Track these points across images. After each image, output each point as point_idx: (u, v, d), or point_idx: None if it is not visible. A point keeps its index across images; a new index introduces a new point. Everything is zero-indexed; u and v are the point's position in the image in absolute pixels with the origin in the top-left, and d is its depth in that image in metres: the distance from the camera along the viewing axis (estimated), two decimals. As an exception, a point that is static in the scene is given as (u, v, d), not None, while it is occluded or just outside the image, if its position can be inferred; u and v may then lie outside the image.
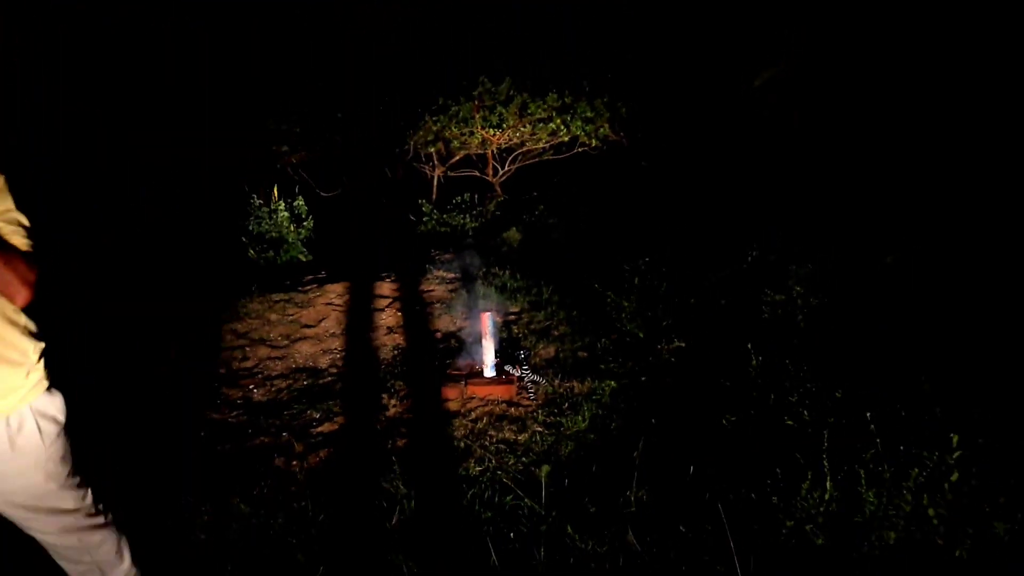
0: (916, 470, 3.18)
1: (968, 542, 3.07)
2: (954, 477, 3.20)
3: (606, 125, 12.60)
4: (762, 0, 10.69)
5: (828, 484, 3.32)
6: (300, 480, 4.29)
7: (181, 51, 13.10)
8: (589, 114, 12.30)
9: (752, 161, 11.22)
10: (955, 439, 3.23)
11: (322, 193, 13.35)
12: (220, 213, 11.34)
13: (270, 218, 10.87)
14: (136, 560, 2.83)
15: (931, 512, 3.12)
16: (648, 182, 13.26)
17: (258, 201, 11.21)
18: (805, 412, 4.02)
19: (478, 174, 13.67)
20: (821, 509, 3.30)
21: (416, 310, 7.10)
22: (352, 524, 3.78)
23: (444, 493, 3.92)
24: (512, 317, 6.89)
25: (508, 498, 3.84)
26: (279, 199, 11.23)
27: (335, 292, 7.62)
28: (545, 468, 3.97)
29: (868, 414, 3.57)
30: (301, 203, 11.34)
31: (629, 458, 4.03)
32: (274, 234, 10.69)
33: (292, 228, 10.75)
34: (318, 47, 13.26)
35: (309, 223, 11.05)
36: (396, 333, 6.63)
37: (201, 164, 13.19)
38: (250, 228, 10.77)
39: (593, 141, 12.73)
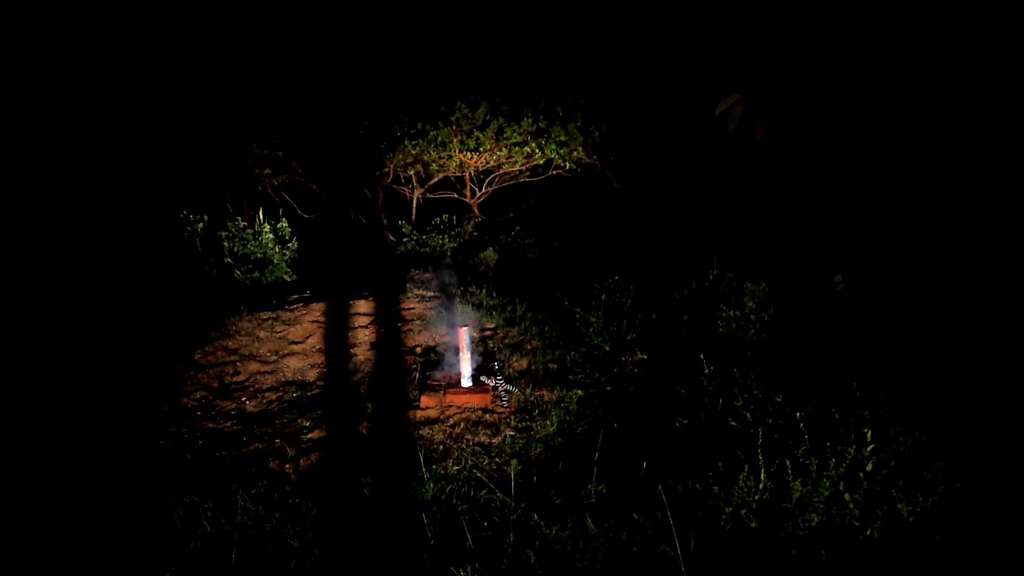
0: (833, 461, 3.66)
1: (878, 523, 3.56)
2: (869, 467, 3.69)
3: (579, 149, 13.11)
4: (727, 35, 11.28)
5: (762, 475, 3.80)
6: (293, 480, 4.73)
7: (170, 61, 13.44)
8: (563, 138, 12.80)
9: (716, 184, 11.81)
10: (869, 434, 3.72)
11: (303, 215, 13.80)
12: (205, 233, 11.69)
13: (255, 239, 11.26)
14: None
15: (847, 497, 3.61)
16: (620, 203, 13.83)
17: (242, 223, 11.60)
18: (748, 415, 4.50)
19: (456, 196, 14.17)
20: (756, 497, 3.77)
21: (397, 326, 7.54)
22: (341, 516, 4.22)
23: (425, 489, 4.36)
24: (488, 332, 7.35)
25: (483, 492, 4.29)
26: (263, 221, 11.62)
27: (320, 310, 8.04)
28: (514, 463, 4.44)
29: (798, 415, 4.07)
30: (285, 225, 11.74)
31: (591, 457, 4.50)
32: (259, 255, 11.08)
33: (277, 249, 11.15)
34: (298, 69, 13.66)
35: (293, 244, 11.45)
36: (379, 348, 7.07)
37: (182, 184, 13.61)
38: (235, 249, 11.15)
39: (567, 164, 13.25)
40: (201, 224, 11.63)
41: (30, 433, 5.57)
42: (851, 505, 3.61)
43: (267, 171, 13.88)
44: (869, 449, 3.72)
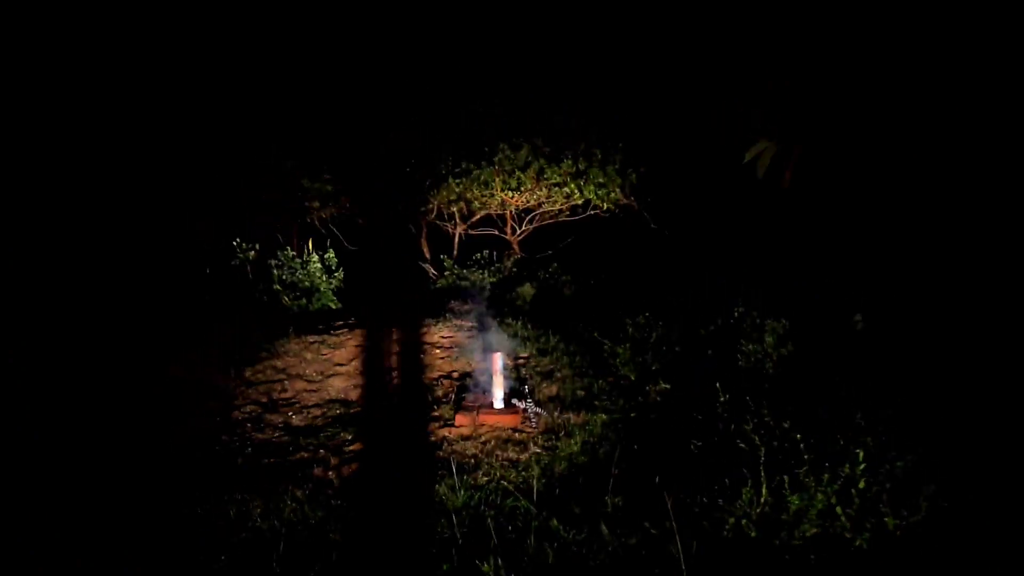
0: (827, 477, 4.01)
1: (867, 535, 3.89)
2: (861, 484, 4.03)
3: (617, 190, 13.54)
4: (754, 85, 11.73)
5: (763, 490, 4.15)
6: (336, 485, 5.16)
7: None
8: (601, 179, 13.25)
9: (747, 225, 12.17)
10: (861, 455, 4.07)
11: (349, 246, 14.37)
12: (256, 261, 12.30)
13: (303, 268, 11.83)
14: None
15: (839, 511, 3.95)
16: (655, 242, 14.25)
17: (291, 253, 12.19)
18: (756, 438, 4.84)
19: (497, 232, 14.67)
20: (756, 510, 4.12)
21: (436, 352, 7.98)
22: (379, 517, 4.63)
23: (456, 496, 4.76)
24: (521, 360, 7.76)
25: (508, 500, 4.69)
26: (311, 252, 12.19)
27: (363, 336, 8.52)
28: (536, 472, 4.83)
29: (799, 437, 4.42)
30: (332, 256, 12.31)
31: (609, 473, 4.88)
32: (306, 283, 11.64)
33: (324, 278, 11.71)
34: (352, 110, 14.31)
35: (339, 274, 12.01)
36: (418, 371, 7.51)
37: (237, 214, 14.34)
38: (283, 278, 11.72)
39: (605, 204, 13.69)
40: (253, 252, 12.26)
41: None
42: (843, 518, 3.95)
43: (316, 204, 14.52)
44: (861, 469, 4.06)
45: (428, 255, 14.59)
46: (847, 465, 4.20)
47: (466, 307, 10.03)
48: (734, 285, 10.04)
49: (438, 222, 14.50)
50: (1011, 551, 3.84)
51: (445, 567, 3.93)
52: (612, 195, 13.57)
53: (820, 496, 4.00)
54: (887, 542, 3.89)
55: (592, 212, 14.34)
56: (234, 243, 12.39)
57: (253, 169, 13.69)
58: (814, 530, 3.99)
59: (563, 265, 12.99)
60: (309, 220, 14.84)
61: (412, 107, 13.73)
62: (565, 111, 13.52)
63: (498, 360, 6.35)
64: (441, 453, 5.62)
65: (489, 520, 4.37)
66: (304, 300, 11.23)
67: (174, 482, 5.25)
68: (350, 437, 6.04)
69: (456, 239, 14.57)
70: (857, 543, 3.88)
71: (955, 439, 4.99)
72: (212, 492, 4.99)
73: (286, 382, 7.42)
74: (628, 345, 7.35)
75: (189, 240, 13.65)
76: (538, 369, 7.51)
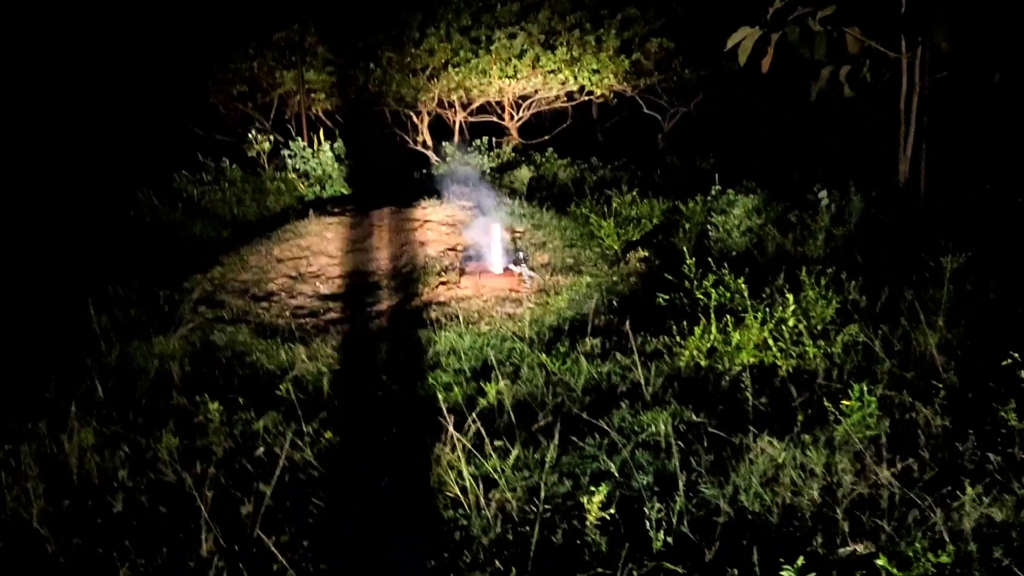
0: (762, 316, 4.99)
1: (794, 361, 4.89)
2: (791, 323, 5.01)
3: (611, 76, 14.21)
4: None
5: (712, 329, 5.13)
6: (360, 336, 6.17)
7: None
8: (595, 66, 13.92)
9: (733, 109, 12.90)
10: (791, 299, 5.03)
11: (355, 137, 15.15)
12: (271, 152, 13.14)
13: (314, 157, 12.66)
14: None
15: (771, 343, 4.94)
16: (646, 128, 15.00)
17: (302, 143, 12.99)
18: (714, 292, 5.78)
19: (496, 119, 15.41)
20: (707, 345, 5.11)
21: (442, 229, 8.91)
22: (398, 357, 5.66)
23: (463, 339, 5.77)
24: (518, 234, 8.69)
25: (506, 343, 5.70)
26: (321, 143, 12.96)
27: (376, 216, 9.43)
28: (530, 321, 5.84)
29: (744, 287, 5.39)
30: (341, 145, 13.12)
31: (589, 322, 5.87)
32: (319, 172, 12.49)
33: (335, 166, 12.55)
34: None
35: (347, 163, 12.85)
36: (427, 245, 8.46)
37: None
38: (297, 167, 12.56)
39: (599, 90, 14.42)
40: (267, 144, 13.09)
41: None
42: (774, 348, 4.94)
43: (321, 96, 15.27)
44: (791, 310, 5.04)
45: (430, 142, 15.36)
46: (781, 308, 5.17)
47: (467, 189, 10.86)
48: (717, 165, 10.91)
49: (439, 110, 15.22)
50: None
51: (456, 389, 4.94)
52: (606, 81, 14.27)
53: (756, 332, 4.98)
54: (808, 368, 4.89)
55: (587, 97, 15.07)
56: (249, 135, 13.20)
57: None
58: (751, 359, 4.99)
59: (559, 149, 13.78)
60: (314, 112, 15.59)
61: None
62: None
63: (496, 230, 7.30)
64: (449, 310, 6.61)
65: (491, 357, 5.38)
66: (318, 187, 12.10)
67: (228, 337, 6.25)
68: (371, 300, 7.03)
69: (456, 126, 15.33)
70: (783, 368, 4.88)
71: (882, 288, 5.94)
72: (262, 343, 6.01)
73: (311, 258, 8.37)
74: (612, 220, 8.26)
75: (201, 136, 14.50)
76: (532, 241, 8.45)
